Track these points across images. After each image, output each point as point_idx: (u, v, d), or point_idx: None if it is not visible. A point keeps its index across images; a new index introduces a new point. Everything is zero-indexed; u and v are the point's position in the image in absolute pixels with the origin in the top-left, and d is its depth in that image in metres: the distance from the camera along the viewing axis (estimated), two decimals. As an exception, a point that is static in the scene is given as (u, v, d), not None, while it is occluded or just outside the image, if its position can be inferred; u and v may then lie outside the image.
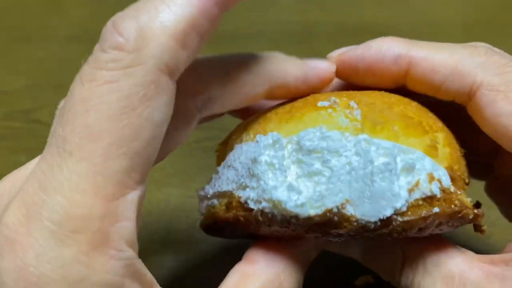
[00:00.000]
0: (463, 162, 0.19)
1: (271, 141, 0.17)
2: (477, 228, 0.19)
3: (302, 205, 0.16)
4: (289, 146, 0.17)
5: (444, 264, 0.18)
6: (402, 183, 0.16)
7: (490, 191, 0.24)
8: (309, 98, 0.19)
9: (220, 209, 0.19)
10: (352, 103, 0.17)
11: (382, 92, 0.19)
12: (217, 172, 0.20)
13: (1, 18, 0.52)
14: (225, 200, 0.18)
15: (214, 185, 0.19)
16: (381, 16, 0.52)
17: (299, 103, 0.19)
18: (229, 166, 0.19)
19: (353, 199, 0.16)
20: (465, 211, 0.17)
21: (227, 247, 0.33)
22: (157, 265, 0.32)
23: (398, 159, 0.16)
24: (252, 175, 0.17)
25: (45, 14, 0.53)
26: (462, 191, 0.18)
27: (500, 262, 0.17)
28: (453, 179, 0.18)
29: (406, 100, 0.19)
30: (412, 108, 0.19)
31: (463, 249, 0.19)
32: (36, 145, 0.39)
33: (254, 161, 0.17)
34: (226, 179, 0.19)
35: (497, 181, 0.23)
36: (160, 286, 0.17)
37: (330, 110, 0.17)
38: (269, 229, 0.17)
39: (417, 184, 0.17)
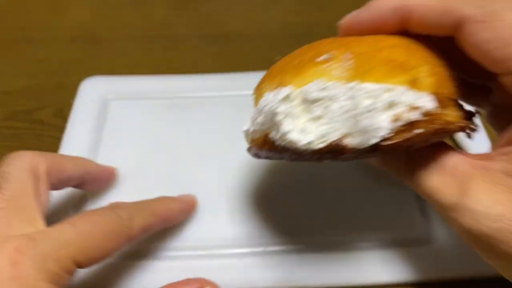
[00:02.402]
0: (452, 85, 0.23)
1: (283, 96, 0.22)
2: (466, 134, 0.24)
3: (310, 143, 0.21)
4: (298, 98, 0.22)
5: (440, 160, 0.23)
6: (386, 117, 0.21)
7: (490, 120, 0.28)
8: (314, 48, 0.23)
9: (259, 141, 0.25)
10: (346, 55, 0.21)
11: (378, 37, 0.23)
12: (254, 113, 0.25)
13: (3, 19, 0.53)
14: (262, 135, 0.24)
15: (253, 124, 0.25)
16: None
17: (306, 54, 0.23)
18: (260, 112, 0.24)
19: (349, 133, 0.21)
20: (449, 126, 0.22)
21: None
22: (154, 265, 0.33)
23: (382, 98, 0.21)
24: (274, 123, 0.22)
25: (46, 15, 0.53)
26: (451, 108, 0.22)
27: (486, 157, 0.22)
28: (440, 101, 0.22)
29: (399, 42, 0.23)
30: (400, 49, 0.22)
31: (459, 150, 0.24)
32: (38, 145, 0.39)
33: (273, 113, 0.22)
34: (259, 122, 0.24)
35: (495, 110, 0.27)
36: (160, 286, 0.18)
37: (327, 65, 0.21)
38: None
39: (399, 115, 0.21)
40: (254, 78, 0.41)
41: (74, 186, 0.31)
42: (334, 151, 0.21)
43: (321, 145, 0.21)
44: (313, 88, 0.21)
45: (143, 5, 0.55)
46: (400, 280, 0.29)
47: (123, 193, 0.34)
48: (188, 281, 0.26)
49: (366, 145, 0.21)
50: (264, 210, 0.33)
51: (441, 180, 0.23)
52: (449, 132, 0.22)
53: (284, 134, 0.22)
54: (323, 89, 0.21)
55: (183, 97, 0.41)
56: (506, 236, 0.20)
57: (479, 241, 0.21)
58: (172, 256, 0.31)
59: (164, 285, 0.25)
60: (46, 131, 0.40)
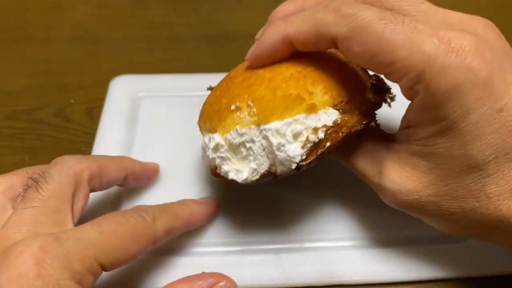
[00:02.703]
0: (351, 88, 0.27)
1: (213, 145, 0.27)
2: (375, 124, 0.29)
3: (246, 179, 0.26)
4: (225, 144, 0.26)
5: (363, 145, 0.27)
6: (296, 145, 0.25)
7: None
8: (228, 92, 0.27)
9: (213, 171, 0.29)
10: (250, 102, 0.25)
11: (275, 70, 0.26)
12: (201, 147, 0.30)
13: (3, 18, 0.53)
14: (213, 168, 0.28)
15: (203, 157, 0.30)
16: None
17: (223, 100, 0.27)
18: (203, 151, 0.29)
19: (273, 163, 0.26)
20: (354, 128, 0.26)
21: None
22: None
23: (288, 131, 0.25)
24: (215, 164, 0.28)
25: (47, 15, 0.53)
26: (354, 111, 0.26)
27: (395, 139, 0.27)
28: (341, 109, 0.26)
29: (293, 71, 0.26)
30: (294, 81, 0.26)
31: (378, 130, 0.28)
32: (38, 145, 0.39)
33: (211, 158, 0.28)
34: (205, 159, 0.29)
35: None
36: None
37: (238, 113, 0.26)
38: None
39: (307, 139, 0.25)
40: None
41: (117, 185, 0.32)
42: (269, 177, 0.26)
43: (256, 177, 0.26)
44: (233, 135, 0.26)
45: (143, 6, 0.55)
46: (432, 276, 0.30)
47: (157, 189, 0.35)
48: (203, 276, 0.26)
49: (290, 170, 0.25)
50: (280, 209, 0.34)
51: (364, 164, 0.27)
52: (357, 132, 0.26)
53: (225, 173, 0.27)
54: (241, 135, 0.25)
55: None
56: (419, 205, 0.25)
57: (406, 211, 0.26)
58: (192, 252, 0.31)
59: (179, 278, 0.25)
60: (46, 131, 0.41)
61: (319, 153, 0.25)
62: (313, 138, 0.25)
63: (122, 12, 0.54)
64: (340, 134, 0.25)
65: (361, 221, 0.32)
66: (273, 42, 0.26)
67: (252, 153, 0.26)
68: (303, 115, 0.25)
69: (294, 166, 0.25)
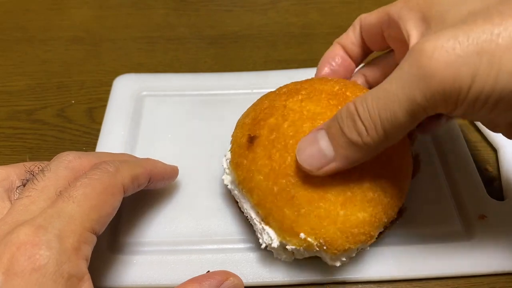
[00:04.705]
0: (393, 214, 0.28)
1: (268, 242, 0.28)
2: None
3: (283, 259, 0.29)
4: (280, 245, 0.27)
5: None
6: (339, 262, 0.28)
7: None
8: (296, 207, 0.26)
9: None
10: (321, 241, 0.26)
11: (347, 207, 0.26)
12: (223, 165, 0.31)
13: (5, 19, 0.53)
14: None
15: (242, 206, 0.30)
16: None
17: (293, 215, 0.26)
18: (245, 211, 0.29)
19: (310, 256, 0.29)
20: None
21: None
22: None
23: (339, 257, 0.28)
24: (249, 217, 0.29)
25: (48, 15, 0.54)
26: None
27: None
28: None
29: (365, 212, 0.26)
30: (368, 224, 0.26)
31: None
32: (39, 145, 0.40)
33: (261, 245, 0.29)
34: (246, 215, 0.30)
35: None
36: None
37: (306, 245, 0.26)
38: None
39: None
40: (288, 76, 0.42)
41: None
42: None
43: (292, 259, 0.29)
44: (294, 249, 0.27)
45: (144, 6, 0.55)
46: (438, 274, 0.30)
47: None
48: (210, 275, 0.26)
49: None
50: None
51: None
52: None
53: (270, 248, 0.28)
54: (302, 253, 0.27)
55: (216, 94, 0.42)
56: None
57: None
58: (195, 250, 0.31)
59: (188, 279, 0.26)
60: (47, 130, 0.41)
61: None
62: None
63: (123, 13, 0.54)
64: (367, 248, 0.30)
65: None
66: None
67: (299, 254, 0.28)
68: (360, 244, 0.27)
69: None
